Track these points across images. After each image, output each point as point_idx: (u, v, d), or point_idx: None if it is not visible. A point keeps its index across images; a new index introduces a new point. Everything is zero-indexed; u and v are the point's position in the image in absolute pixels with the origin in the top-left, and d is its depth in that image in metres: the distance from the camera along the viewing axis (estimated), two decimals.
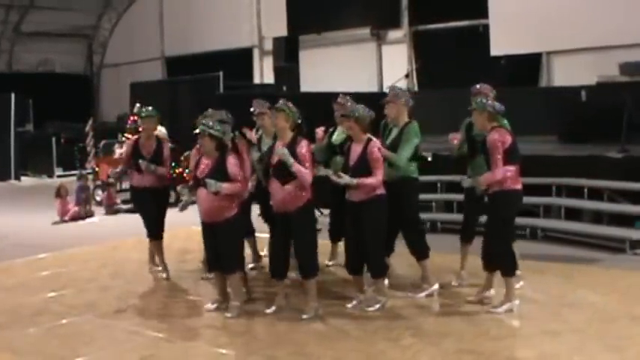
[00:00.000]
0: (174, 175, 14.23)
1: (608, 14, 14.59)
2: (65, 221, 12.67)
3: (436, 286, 7.20)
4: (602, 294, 7.00)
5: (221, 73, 16.60)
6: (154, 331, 6.32)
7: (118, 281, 8.21)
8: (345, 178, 6.38)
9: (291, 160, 6.26)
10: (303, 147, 6.43)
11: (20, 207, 14.84)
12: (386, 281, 7.41)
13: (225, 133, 6.65)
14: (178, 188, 7.17)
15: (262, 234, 8.17)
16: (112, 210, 13.58)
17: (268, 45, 20.77)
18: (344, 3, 19.09)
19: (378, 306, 6.63)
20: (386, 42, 19.59)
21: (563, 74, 15.93)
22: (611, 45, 14.26)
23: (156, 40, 25.41)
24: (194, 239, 9.83)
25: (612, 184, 9.98)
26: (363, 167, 6.44)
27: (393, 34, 19.40)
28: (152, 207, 8.21)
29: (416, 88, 18.31)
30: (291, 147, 6.42)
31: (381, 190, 6.51)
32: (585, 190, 10.14)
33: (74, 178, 14.62)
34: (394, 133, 7.18)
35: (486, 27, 16.83)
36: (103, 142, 17.74)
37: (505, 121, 7.11)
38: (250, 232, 8.03)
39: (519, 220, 9.98)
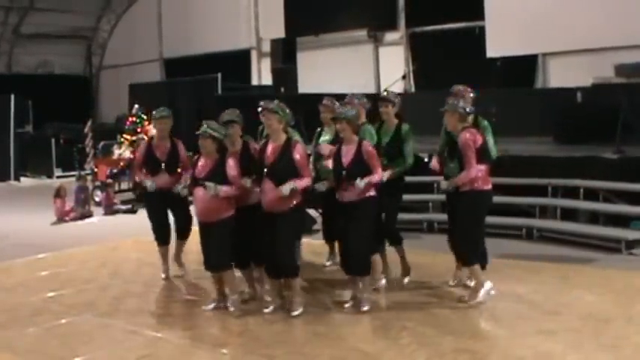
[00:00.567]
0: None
1: (603, 16, 14.62)
2: (64, 221, 12.71)
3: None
4: (597, 294, 7.02)
5: (219, 75, 16.64)
6: (152, 331, 6.34)
7: (117, 281, 8.23)
8: (360, 183, 6.36)
9: (290, 187, 6.32)
10: (299, 152, 6.48)
11: (20, 207, 14.86)
12: (383, 281, 7.50)
13: (226, 135, 6.68)
14: (179, 188, 7.13)
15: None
16: (110, 210, 13.62)
17: (266, 47, 20.81)
18: (341, 5, 19.14)
19: (368, 306, 6.66)
20: (383, 44, 19.63)
21: (558, 75, 15.96)
22: (606, 46, 14.29)
23: (154, 41, 25.43)
24: (193, 239, 9.86)
25: (608, 184, 10.02)
26: (359, 167, 6.46)
27: (390, 36, 19.44)
28: (164, 211, 8.04)
29: (413, 90, 18.40)
30: (286, 151, 6.47)
31: (372, 191, 6.54)
32: (581, 190, 10.17)
33: (73, 178, 14.65)
34: (388, 135, 7.29)
35: (482, 29, 16.86)
36: (102, 143, 17.77)
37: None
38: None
39: (516, 221, 10.16)
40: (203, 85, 16.81)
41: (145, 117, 15.26)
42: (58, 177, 19.83)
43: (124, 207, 13.85)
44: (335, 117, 6.70)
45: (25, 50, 25.75)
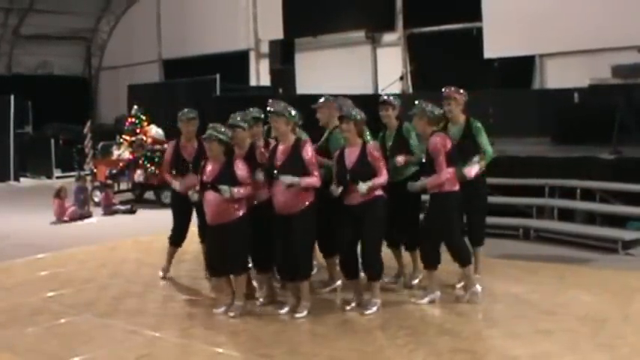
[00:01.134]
0: None
1: (600, 17, 14.68)
2: (63, 221, 12.73)
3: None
4: (594, 294, 7.03)
5: (218, 76, 16.67)
6: (151, 331, 6.35)
7: (116, 281, 8.25)
8: (362, 186, 6.37)
9: (297, 180, 6.32)
10: (308, 152, 6.49)
11: (19, 208, 14.88)
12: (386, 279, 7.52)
13: (232, 138, 6.67)
14: (189, 193, 7.12)
15: None
16: (110, 211, 13.64)
17: (264, 48, 20.86)
18: (339, 6, 19.21)
19: (374, 309, 6.63)
20: (381, 45, 19.70)
21: (556, 76, 16.02)
22: (603, 47, 14.35)
23: (153, 42, 25.47)
24: (192, 240, 9.89)
25: (605, 185, 10.05)
26: (364, 170, 6.45)
27: (388, 37, 19.51)
28: (189, 212, 8.00)
29: (410, 91, 18.44)
30: (295, 151, 6.47)
31: (380, 192, 6.54)
32: (578, 190, 10.19)
33: (73, 179, 14.68)
34: (391, 138, 7.31)
35: (480, 30, 16.92)
36: (101, 144, 17.81)
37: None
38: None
39: (513, 221, 10.19)
40: (202, 86, 16.83)
41: (144, 118, 15.30)
42: (57, 177, 19.88)
43: (123, 207, 13.88)
44: (343, 116, 6.64)
45: (24, 51, 25.79)
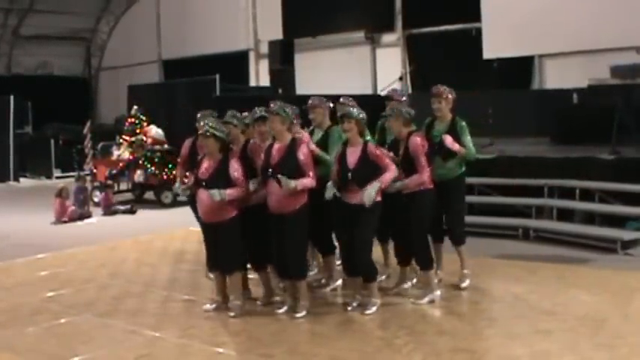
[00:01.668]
0: (171, 176, 14.35)
1: (599, 18, 14.70)
2: (63, 222, 12.75)
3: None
4: (593, 294, 7.04)
5: (217, 76, 16.68)
6: (151, 331, 6.36)
7: (116, 281, 8.25)
8: (374, 186, 6.35)
9: (293, 184, 6.30)
10: (304, 152, 6.48)
11: (19, 208, 14.90)
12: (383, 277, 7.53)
13: (228, 134, 6.70)
14: (182, 188, 7.14)
15: None
16: (109, 211, 13.66)
17: (264, 48, 20.86)
18: (339, 7, 19.23)
19: (374, 309, 6.64)
20: (380, 45, 19.72)
21: (555, 77, 16.05)
22: (602, 48, 14.37)
23: (153, 43, 25.48)
24: (192, 240, 9.93)
25: (604, 185, 10.06)
26: (366, 169, 6.44)
27: (387, 38, 19.53)
28: None
29: (410, 91, 18.46)
30: (291, 150, 6.46)
31: (378, 197, 6.51)
32: (577, 191, 10.21)
33: (72, 179, 14.69)
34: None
35: (479, 30, 16.92)
36: (100, 144, 17.83)
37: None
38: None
39: (512, 221, 10.21)
40: (201, 87, 16.84)
41: (143, 118, 15.32)
42: (57, 178, 19.90)
43: (122, 207, 13.89)
44: (343, 115, 6.63)
45: (24, 51, 25.82)
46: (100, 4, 26.77)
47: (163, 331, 6.34)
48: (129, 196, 15.53)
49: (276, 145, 6.57)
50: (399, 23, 19.07)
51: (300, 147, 6.51)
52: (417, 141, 6.71)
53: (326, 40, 20.05)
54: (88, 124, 21.04)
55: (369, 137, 7.06)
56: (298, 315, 6.57)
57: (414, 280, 7.39)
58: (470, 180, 9.95)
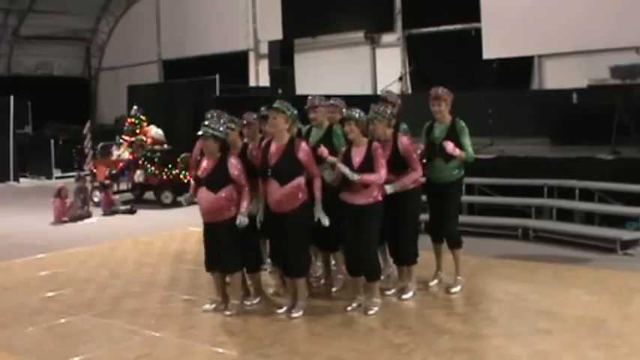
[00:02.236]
0: (171, 176, 14.37)
1: (599, 18, 14.70)
2: (63, 222, 12.76)
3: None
4: (593, 294, 7.04)
5: (217, 76, 16.69)
6: (150, 331, 6.37)
7: (116, 281, 8.26)
8: (353, 175, 6.35)
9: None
10: (304, 150, 6.48)
11: (20, 208, 14.92)
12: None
13: (227, 134, 6.71)
14: (185, 198, 7.18)
15: None
16: (109, 211, 13.67)
17: (264, 48, 20.87)
18: (338, 7, 19.26)
19: (376, 309, 6.65)
20: (380, 45, 19.74)
21: (554, 77, 16.06)
22: (602, 48, 14.36)
23: (153, 43, 25.51)
24: (191, 240, 9.95)
25: (603, 185, 10.05)
26: (370, 168, 6.45)
27: (387, 38, 19.55)
28: None
29: (409, 91, 18.48)
30: (290, 151, 6.45)
31: (380, 196, 6.54)
32: (576, 191, 10.20)
33: (72, 179, 14.71)
34: None
35: (479, 31, 16.92)
36: (100, 144, 17.85)
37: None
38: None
39: (512, 221, 10.20)
40: (201, 87, 16.85)
41: (143, 118, 15.33)
42: (57, 178, 19.91)
43: (123, 207, 13.90)
44: (343, 118, 6.66)
45: (24, 52, 25.85)
46: (100, 4, 26.80)
47: (163, 331, 6.34)
48: (129, 196, 15.55)
49: (275, 144, 6.56)
50: (398, 23, 19.10)
51: (300, 147, 6.50)
52: (407, 142, 6.81)
53: (326, 41, 20.07)
54: (88, 124, 21.10)
55: (405, 126, 7.17)
56: (294, 315, 6.58)
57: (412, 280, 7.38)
58: (470, 180, 10.02)
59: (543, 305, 6.74)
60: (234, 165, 6.56)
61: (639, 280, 7.62)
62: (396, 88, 16.99)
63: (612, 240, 8.97)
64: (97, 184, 15.00)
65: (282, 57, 17.17)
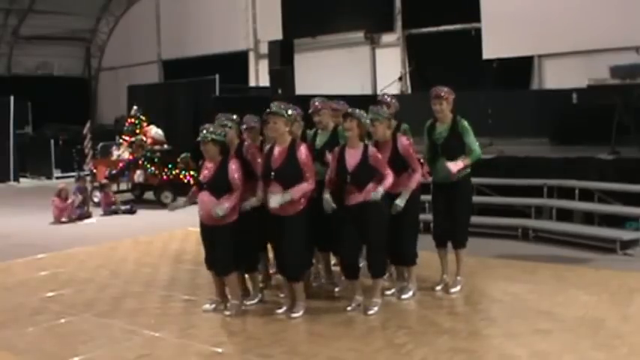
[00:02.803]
0: (171, 176, 14.38)
1: (599, 18, 14.70)
2: (63, 222, 12.77)
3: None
4: (592, 294, 7.05)
5: (217, 76, 16.70)
6: (150, 331, 6.37)
7: (116, 281, 8.27)
8: (379, 191, 6.35)
9: (289, 197, 6.32)
10: (303, 153, 6.47)
11: (20, 208, 14.93)
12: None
13: (226, 136, 6.70)
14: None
15: None
16: (109, 211, 13.68)
17: (264, 48, 20.85)
18: (338, 7, 19.27)
19: (376, 309, 6.65)
20: (379, 45, 19.74)
21: (554, 77, 16.05)
22: (601, 48, 14.35)
23: (153, 43, 25.51)
24: (191, 240, 9.95)
25: (603, 185, 10.06)
26: (365, 173, 6.45)
27: (387, 38, 19.54)
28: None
29: (409, 91, 18.48)
30: (292, 154, 6.45)
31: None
32: (576, 191, 10.21)
33: (72, 179, 14.71)
34: None
35: (479, 31, 16.91)
36: (100, 144, 17.85)
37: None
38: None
39: (511, 221, 10.20)
40: (201, 87, 16.84)
41: (143, 118, 15.33)
42: (57, 178, 19.93)
43: (123, 207, 13.91)
44: (347, 113, 6.60)
45: (24, 52, 25.86)
46: (100, 4, 26.79)
47: (163, 331, 6.35)
48: (129, 196, 15.55)
49: (277, 148, 6.55)
50: (398, 23, 19.09)
51: (300, 148, 6.50)
52: (406, 142, 6.80)
53: (326, 41, 20.07)
54: (88, 124, 21.10)
55: (406, 125, 7.21)
56: (294, 315, 6.58)
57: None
58: None
59: (543, 305, 6.74)
60: (233, 170, 6.56)
61: (639, 280, 7.62)
62: (395, 89, 17.05)
63: (612, 240, 8.97)
64: (97, 184, 15.01)
65: (282, 57, 17.16)
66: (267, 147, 6.78)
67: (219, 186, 6.53)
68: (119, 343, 6.13)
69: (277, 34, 19.86)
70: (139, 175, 14.60)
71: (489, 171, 10.82)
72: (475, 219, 10.07)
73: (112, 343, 6.12)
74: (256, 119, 7.25)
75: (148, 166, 14.43)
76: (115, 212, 13.68)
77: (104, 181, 14.55)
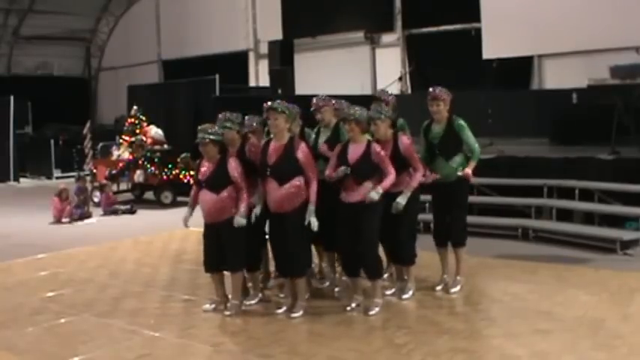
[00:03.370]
0: (171, 176, 14.38)
1: (598, 18, 14.71)
2: (63, 222, 12.77)
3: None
4: (592, 294, 7.05)
5: (217, 76, 16.70)
6: (150, 331, 6.37)
7: (116, 281, 8.27)
8: (374, 194, 6.32)
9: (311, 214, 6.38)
10: (303, 151, 6.49)
11: (20, 208, 14.92)
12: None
13: (223, 135, 6.70)
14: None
15: None
16: (109, 211, 13.68)
17: (264, 48, 20.87)
18: (338, 7, 19.28)
19: (377, 309, 6.64)
20: (380, 45, 19.75)
21: (554, 77, 16.08)
22: (601, 48, 14.39)
23: (153, 43, 25.51)
24: (191, 240, 9.95)
25: (603, 185, 10.06)
26: (366, 168, 6.45)
27: (387, 38, 19.56)
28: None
29: (409, 91, 18.49)
30: (289, 151, 6.46)
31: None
32: (576, 191, 10.21)
33: (72, 179, 14.71)
34: None
35: (478, 30, 16.94)
36: (100, 144, 17.86)
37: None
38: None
39: (512, 221, 10.21)
40: (201, 87, 16.83)
41: (143, 118, 15.33)
42: (57, 178, 19.93)
43: (123, 207, 13.91)
44: (343, 118, 6.68)
45: (24, 52, 25.87)
46: (100, 4, 26.80)
47: (163, 331, 6.34)
48: (129, 196, 15.55)
49: (274, 144, 6.57)
50: (398, 23, 19.11)
51: (299, 147, 6.51)
52: (408, 141, 6.81)
53: (325, 41, 20.08)
54: (88, 124, 21.11)
55: (402, 120, 7.16)
56: (294, 315, 6.59)
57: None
58: None
59: (543, 305, 6.74)
60: (233, 167, 6.58)
61: (639, 280, 7.62)
62: (395, 88, 17.05)
63: (612, 240, 8.98)
64: (97, 184, 15.01)
65: (282, 57, 17.17)
66: (262, 142, 6.80)
67: (217, 183, 6.55)
68: (119, 343, 6.13)
69: (277, 34, 19.87)
70: (139, 175, 14.60)
71: (489, 171, 10.81)
72: (475, 219, 10.13)
73: (112, 343, 6.12)
74: (259, 120, 7.26)
75: (148, 166, 14.42)
76: (115, 212, 13.67)
77: (104, 181, 14.54)
